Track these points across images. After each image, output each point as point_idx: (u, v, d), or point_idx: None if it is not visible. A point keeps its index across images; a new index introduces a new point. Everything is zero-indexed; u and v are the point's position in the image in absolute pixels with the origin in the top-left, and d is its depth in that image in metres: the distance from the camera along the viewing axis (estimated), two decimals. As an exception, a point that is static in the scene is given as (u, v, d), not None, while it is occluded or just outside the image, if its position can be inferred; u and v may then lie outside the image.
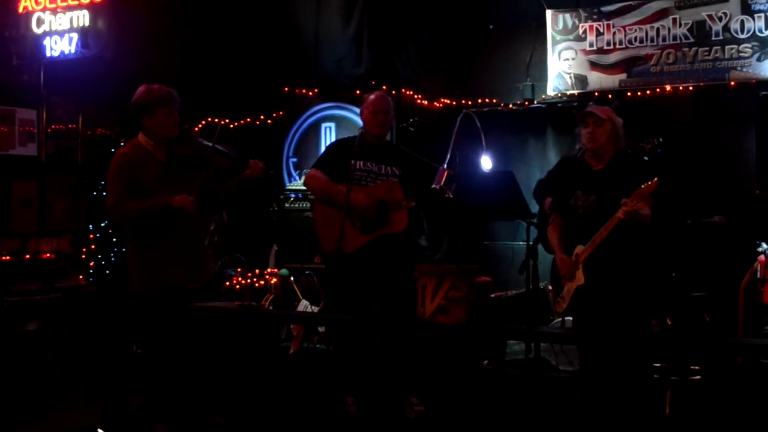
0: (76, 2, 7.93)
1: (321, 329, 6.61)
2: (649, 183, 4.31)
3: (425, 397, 5.54)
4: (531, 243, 4.38)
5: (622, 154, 4.71)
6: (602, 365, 4.49)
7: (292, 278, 7.27)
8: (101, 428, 5.27)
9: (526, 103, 7.92)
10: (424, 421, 5.42)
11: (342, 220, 4.98)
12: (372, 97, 5.48)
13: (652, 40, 7.34)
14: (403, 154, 5.53)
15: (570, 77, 7.67)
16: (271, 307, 7.04)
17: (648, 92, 7.33)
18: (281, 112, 8.49)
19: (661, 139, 4.84)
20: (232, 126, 8.68)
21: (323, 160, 5.54)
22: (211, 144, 4.86)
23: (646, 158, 4.91)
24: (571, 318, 4.88)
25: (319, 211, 5.44)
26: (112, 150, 6.14)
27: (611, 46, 7.51)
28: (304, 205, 7.21)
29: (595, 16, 7.57)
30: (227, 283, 7.54)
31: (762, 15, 6.92)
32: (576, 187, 4.70)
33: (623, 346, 4.37)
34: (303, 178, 6.47)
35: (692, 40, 7.18)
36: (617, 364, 4.45)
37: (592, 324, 4.55)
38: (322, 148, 7.56)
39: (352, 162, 5.16)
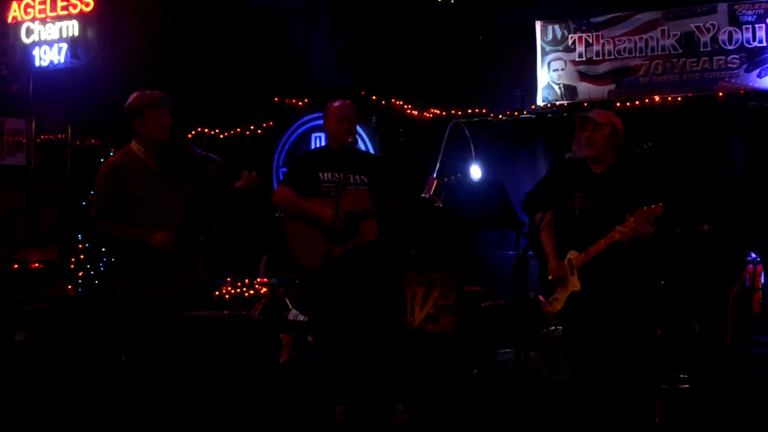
0: (66, 12, 7.94)
1: (310, 338, 6.60)
2: (653, 207, 4.16)
3: (412, 404, 5.53)
4: (521, 252, 4.36)
5: (624, 158, 4.59)
6: (593, 373, 4.46)
7: (281, 288, 7.26)
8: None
9: (516, 113, 7.92)
10: (409, 429, 5.41)
11: (315, 234, 4.98)
12: (336, 104, 5.34)
13: (640, 51, 7.37)
14: (370, 160, 5.49)
15: (559, 88, 7.70)
16: (260, 317, 7.02)
17: (637, 103, 7.36)
18: (271, 122, 8.50)
19: (650, 143, 4.80)
20: (222, 136, 8.68)
21: (289, 176, 5.44)
22: (203, 152, 4.85)
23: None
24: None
25: (292, 228, 5.34)
26: (102, 160, 6.14)
27: (600, 57, 7.54)
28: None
29: (584, 27, 7.60)
30: (217, 293, 7.53)
31: (750, 26, 6.97)
32: (576, 189, 4.60)
33: (617, 354, 4.34)
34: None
35: (680, 51, 7.21)
36: (611, 372, 4.41)
37: (588, 330, 4.50)
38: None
39: (320, 174, 5.13)
